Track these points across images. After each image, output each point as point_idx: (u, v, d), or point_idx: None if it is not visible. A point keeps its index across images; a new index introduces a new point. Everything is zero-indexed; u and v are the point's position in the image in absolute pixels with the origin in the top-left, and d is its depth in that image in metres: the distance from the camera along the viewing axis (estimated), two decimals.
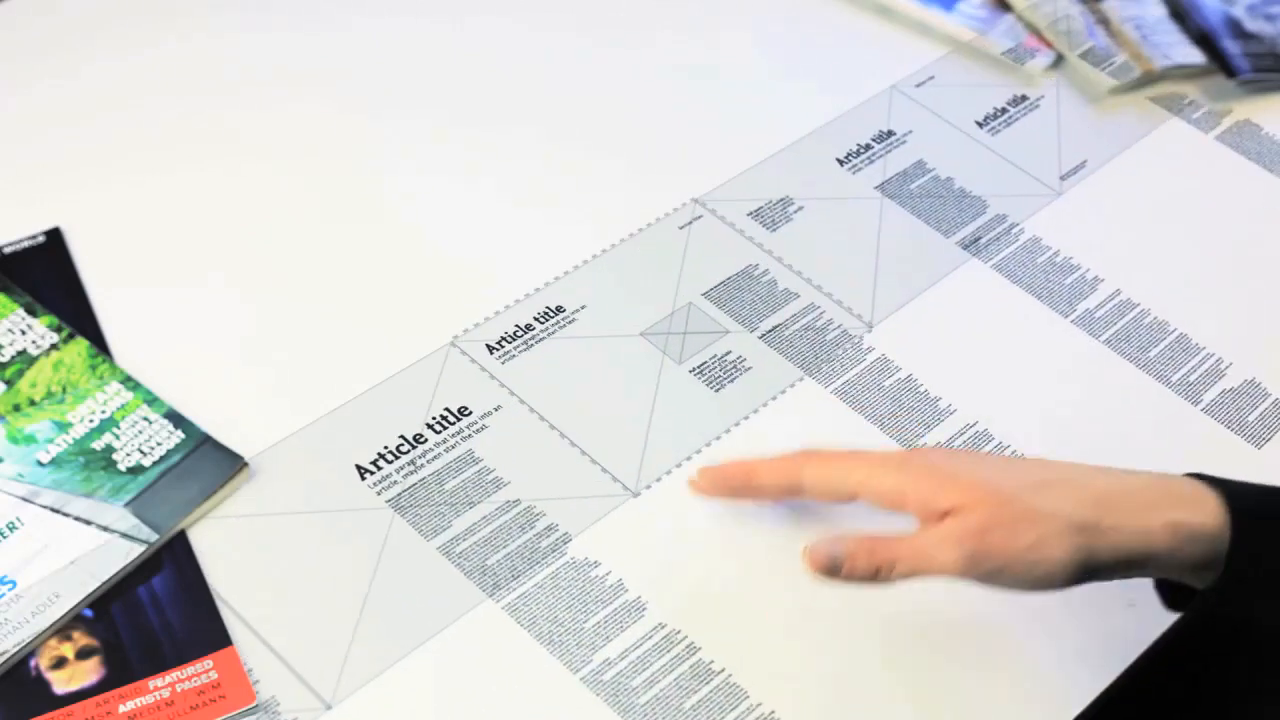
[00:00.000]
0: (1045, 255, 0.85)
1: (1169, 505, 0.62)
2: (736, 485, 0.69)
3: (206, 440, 0.71)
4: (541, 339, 0.78)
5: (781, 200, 0.86)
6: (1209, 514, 0.61)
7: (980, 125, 0.93)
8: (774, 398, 0.77)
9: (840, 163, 0.89)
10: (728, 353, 0.78)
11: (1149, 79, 0.97)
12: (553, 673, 0.65)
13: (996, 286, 0.84)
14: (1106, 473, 0.64)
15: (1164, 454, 0.68)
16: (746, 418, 0.76)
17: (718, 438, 0.75)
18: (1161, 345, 0.81)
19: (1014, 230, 0.87)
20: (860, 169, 0.89)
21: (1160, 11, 1.01)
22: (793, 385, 0.77)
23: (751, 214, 0.85)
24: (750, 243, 0.84)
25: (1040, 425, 0.76)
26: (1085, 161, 0.91)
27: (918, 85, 0.95)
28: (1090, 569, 0.61)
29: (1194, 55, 0.98)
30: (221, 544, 0.69)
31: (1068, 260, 0.85)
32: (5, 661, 0.63)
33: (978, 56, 0.98)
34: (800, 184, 0.88)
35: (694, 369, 0.77)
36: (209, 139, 0.88)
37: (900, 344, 0.80)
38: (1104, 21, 1.00)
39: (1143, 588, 0.70)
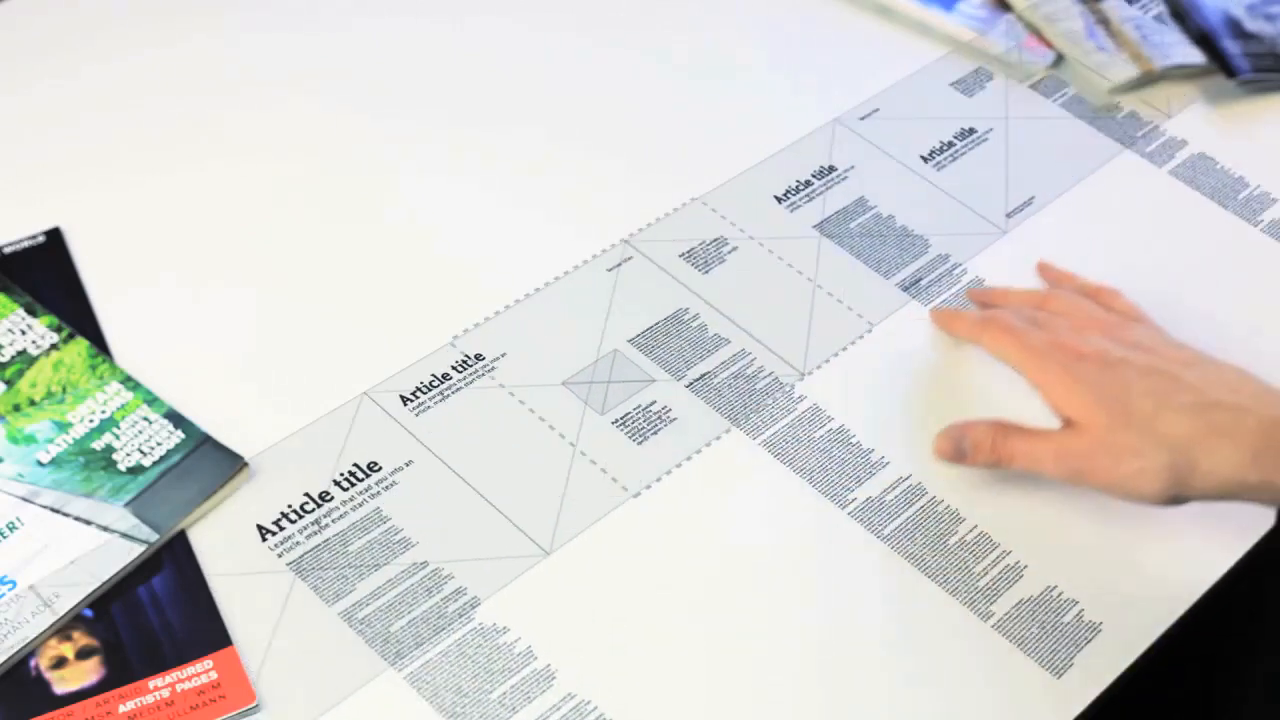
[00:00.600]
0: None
1: (1272, 463, 0.65)
2: (944, 323, 0.80)
3: (206, 440, 0.71)
4: (459, 388, 0.75)
5: (715, 240, 0.83)
6: None
7: (925, 160, 0.90)
8: (699, 450, 0.74)
9: (778, 200, 0.87)
10: (653, 403, 0.75)
11: (1149, 79, 0.97)
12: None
13: (935, 332, 0.81)
14: (1227, 402, 0.67)
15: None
16: (669, 472, 0.73)
17: (637, 494, 0.72)
18: None
19: (956, 270, 0.84)
20: (799, 207, 0.86)
21: (1160, 11, 1.01)
22: (719, 437, 0.75)
23: (683, 255, 0.83)
24: (680, 285, 0.81)
25: (976, 477, 0.74)
26: (1033, 198, 0.89)
27: (861, 119, 0.92)
28: (1183, 499, 0.67)
29: (1194, 55, 0.98)
30: (221, 544, 0.69)
31: None
32: (5, 661, 0.63)
33: (978, 56, 0.98)
34: (735, 223, 0.85)
35: (617, 420, 0.74)
36: (209, 139, 0.88)
37: (833, 393, 0.77)
38: (1104, 21, 1.00)
39: (1123, 608, 0.70)
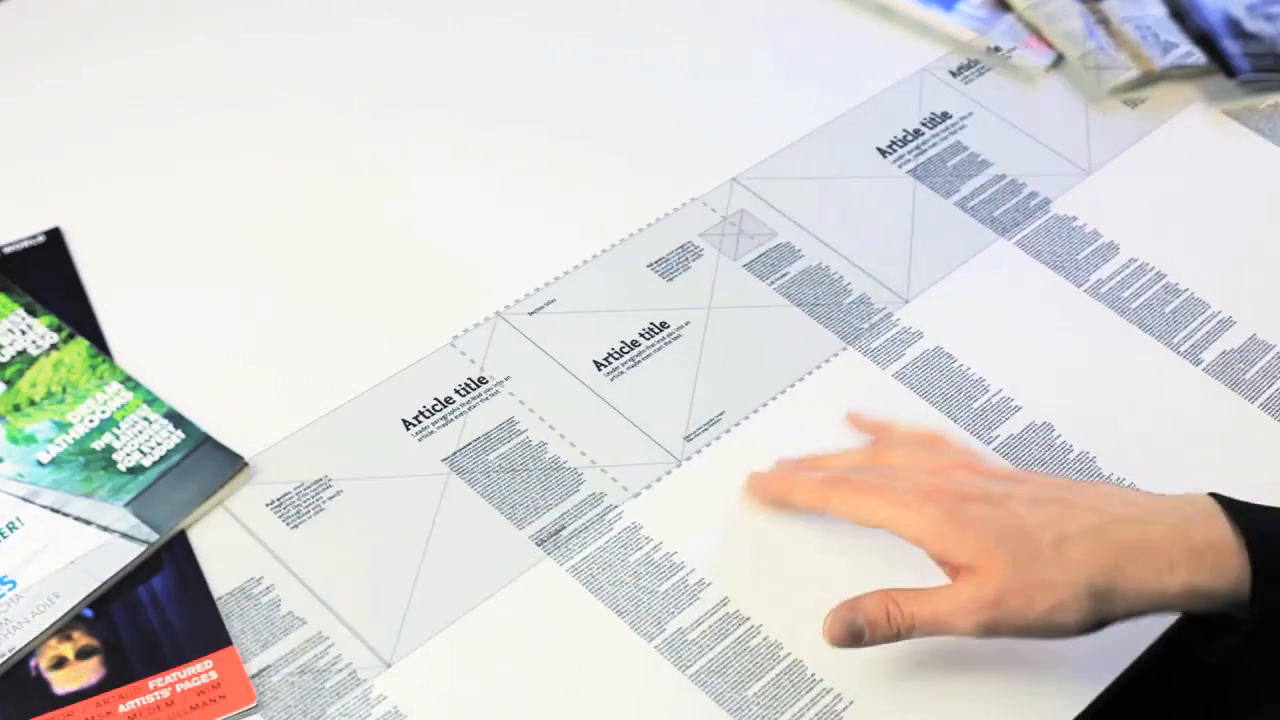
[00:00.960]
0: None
1: (1188, 565, 0.62)
2: (775, 497, 0.71)
3: (206, 440, 0.71)
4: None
5: (316, 482, 0.71)
6: (1229, 575, 0.62)
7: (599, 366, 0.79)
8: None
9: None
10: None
11: (1149, 79, 0.97)
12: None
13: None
14: (1127, 517, 0.63)
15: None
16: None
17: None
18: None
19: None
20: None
21: (1160, 11, 1.01)
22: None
23: (271, 504, 0.71)
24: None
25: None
26: (722, 414, 0.76)
27: (530, 314, 0.79)
28: (1103, 624, 0.63)
29: (1194, 55, 0.98)
30: (221, 544, 0.69)
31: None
32: (5, 661, 0.63)
33: (978, 55, 0.98)
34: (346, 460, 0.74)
35: None
36: (209, 139, 0.88)
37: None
38: (1104, 21, 1.00)
39: None
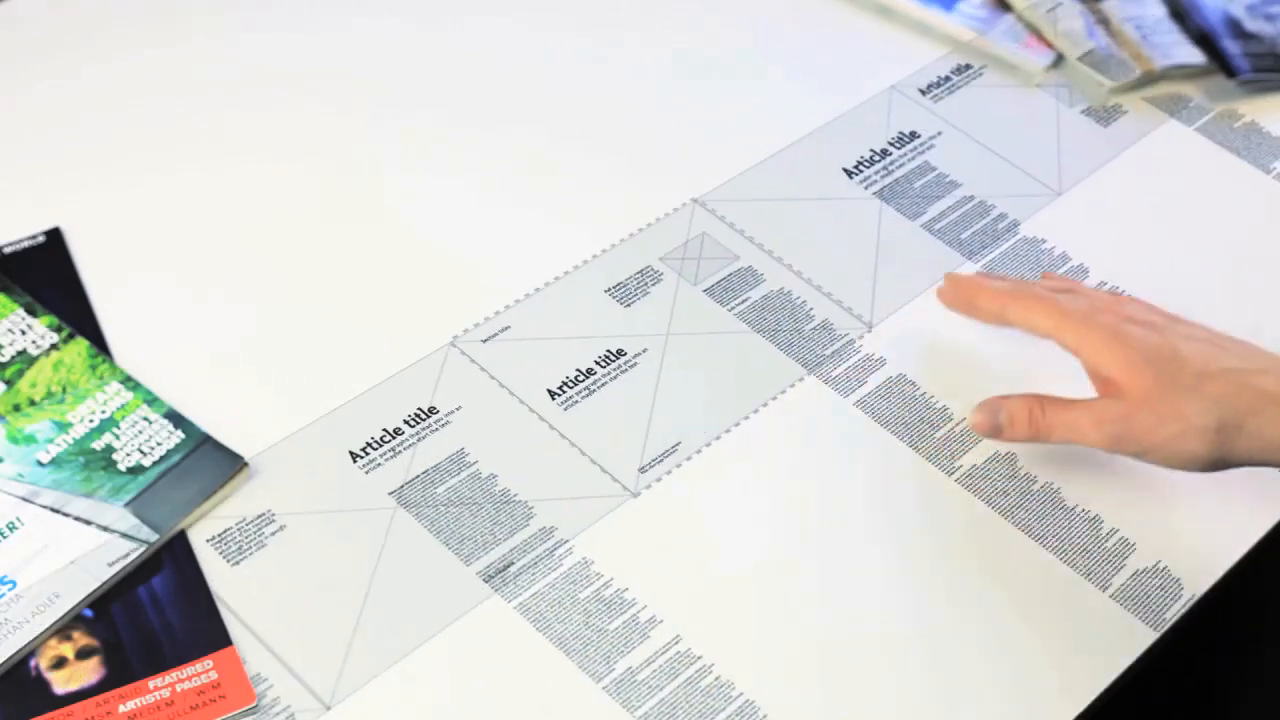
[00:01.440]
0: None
1: None
2: (963, 299, 0.75)
3: (206, 440, 0.71)
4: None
5: (258, 518, 0.70)
6: None
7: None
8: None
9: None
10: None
11: (1149, 79, 0.97)
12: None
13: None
14: (1273, 370, 0.67)
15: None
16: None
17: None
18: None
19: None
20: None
21: (1160, 11, 1.01)
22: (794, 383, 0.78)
23: (213, 540, 0.70)
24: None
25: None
26: (677, 444, 0.75)
27: (483, 341, 0.78)
28: (1225, 465, 0.67)
29: (1194, 55, 0.98)
30: (222, 544, 0.69)
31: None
32: (5, 661, 0.63)
33: (978, 57, 0.98)
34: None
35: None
36: (209, 139, 0.88)
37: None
38: (1104, 21, 1.00)
39: (1142, 588, 0.70)
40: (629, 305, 0.80)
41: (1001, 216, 0.87)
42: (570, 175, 0.88)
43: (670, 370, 0.77)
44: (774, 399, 0.77)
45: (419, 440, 0.73)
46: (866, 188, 0.88)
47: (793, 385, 0.77)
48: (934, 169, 0.90)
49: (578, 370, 0.77)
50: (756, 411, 0.76)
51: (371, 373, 0.76)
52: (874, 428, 0.76)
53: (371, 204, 0.85)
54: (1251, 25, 0.99)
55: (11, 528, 0.68)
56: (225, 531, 0.69)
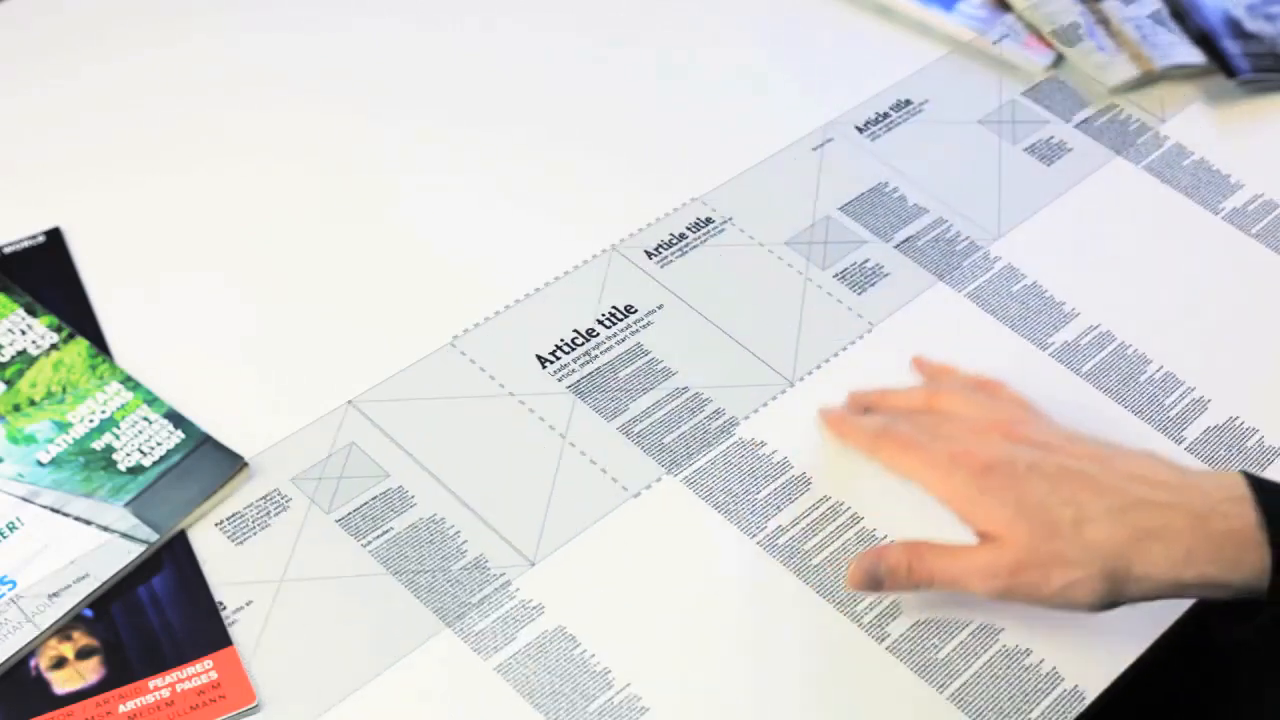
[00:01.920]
0: (1191, 158, 0.91)
1: (1206, 556, 0.62)
2: (838, 433, 0.74)
3: (206, 440, 0.71)
4: (696, 245, 0.83)
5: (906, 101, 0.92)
6: (1245, 570, 0.62)
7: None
8: (910, 301, 0.82)
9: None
10: (866, 260, 0.83)
11: (1149, 79, 0.97)
12: (730, 538, 0.70)
13: (1146, 186, 0.89)
14: (1150, 499, 0.64)
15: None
16: (883, 320, 0.81)
17: (859, 337, 0.80)
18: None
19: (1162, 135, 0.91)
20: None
21: (1160, 11, 1.01)
22: (927, 289, 0.83)
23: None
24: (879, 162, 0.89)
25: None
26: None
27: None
28: (1117, 604, 0.64)
29: (1194, 55, 0.98)
30: (222, 544, 0.69)
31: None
32: (5, 661, 0.63)
33: (978, 56, 0.98)
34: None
35: (837, 273, 0.82)
36: (209, 139, 0.88)
37: (1028, 253, 0.84)
38: (1104, 21, 1.00)
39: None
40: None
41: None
42: (570, 175, 0.88)
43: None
44: (401, 659, 0.66)
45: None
46: (561, 380, 0.76)
47: (429, 640, 0.67)
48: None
49: None
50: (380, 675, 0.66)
51: (372, 372, 0.76)
52: (512, 696, 0.65)
53: (371, 204, 0.85)
54: (1251, 25, 0.99)
55: (11, 528, 0.68)
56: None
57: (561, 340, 0.78)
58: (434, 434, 0.73)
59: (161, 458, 0.71)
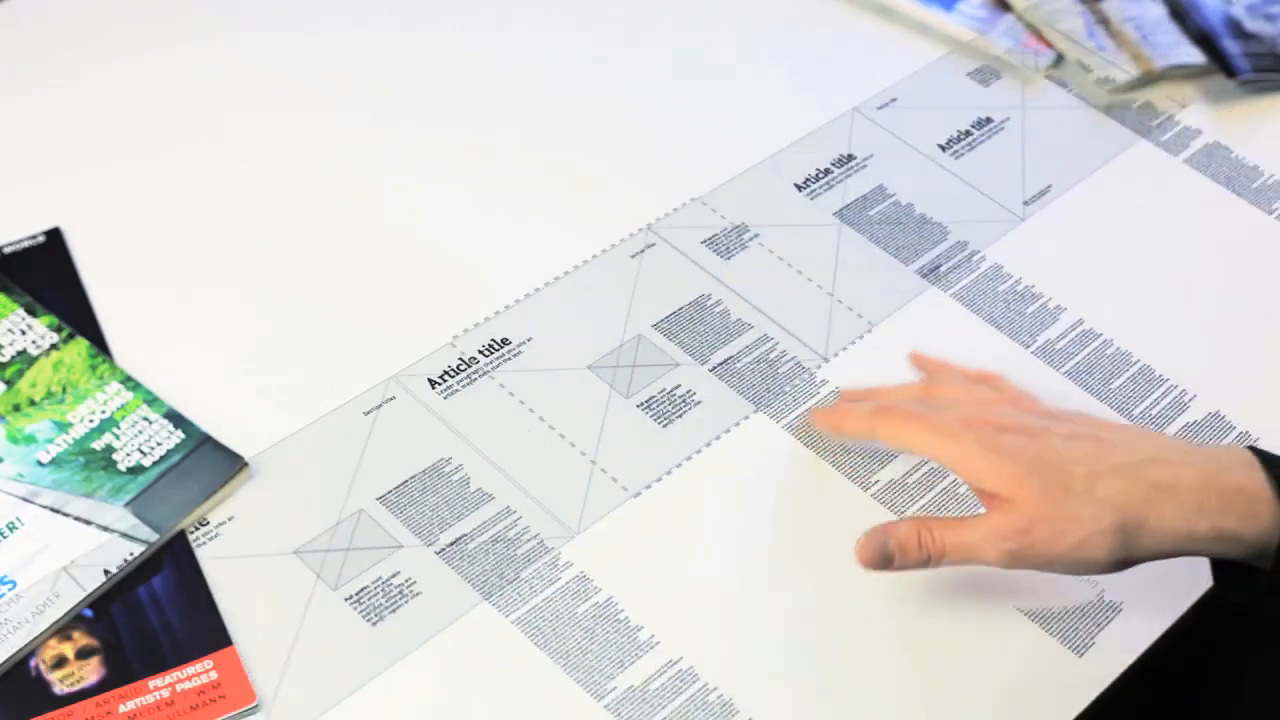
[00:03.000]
0: (1007, 283, 0.83)
1: (1218, 509, 0.62)
2: (831, 426, 0.73)
3: (206, 440, 0.71)
4: (486, 372, 0.76)
5: (737, 228, 0.84)
6: (1259, 523, 0.62)
7: (943, 149, 0.91)
8: (724, 433, 0.75)
9: (798, 188, 0.87)
10: (677, 386, 0.76)
11: (1149, 79, 0.97)
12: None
13: (956, 316, 0.82)
14: (1161, 458, 0.64)
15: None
16: (690, 457, 0.74)
17: (659, 478, 0.73)
18: (1124, 377, 0.79)
19: (975, 258, 0.84)
20: (818, 195, 0.87)
21: (1160, 11, 1.01)
22: (743, 420, 0.75)
23: (705, 242, 0.84)
24: (703, 272, 0.82)
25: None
26: (1049, 186, 0.89)
27: (879, 108, 0.93)
28: (1130, 563, 0.64)
29: (1194, 55, 0.98)
30: (221, 544, 0.69)
31: (1029, 289, 0.83)
32: (5, 661, 0.63)
33: (978, 56, 0.98)
34: (757, 211, 0.85)
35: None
36: (209, 139, 0.88)
37: (855, 378, 0.77)
38: (1104, 21, 1.00)
39: (1142, 588, 0.70)
40: (985, 86, 0.92)
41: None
42: (570, 175, 0.88)
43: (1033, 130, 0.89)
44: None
45: (847, 177, 0.86)
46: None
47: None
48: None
49: (957, 130, 0.92)
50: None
51: (371, 373, 0.76)
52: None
53: (371, 204, 0.85)
54: (1251, 25, 0.99)
55: (11, 528, 0.68)
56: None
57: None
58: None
59: (161, 458, 0.71)
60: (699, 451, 0.74)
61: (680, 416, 0.75)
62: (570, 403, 0.75)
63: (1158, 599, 0.70)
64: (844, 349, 0.79)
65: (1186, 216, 0.89)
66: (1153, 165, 0.92)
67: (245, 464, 0.71)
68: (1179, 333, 0.82)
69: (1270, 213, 0.89)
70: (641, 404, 0.75)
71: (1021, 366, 0.79)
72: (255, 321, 0.78)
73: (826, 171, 0.88)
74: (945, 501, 0.72)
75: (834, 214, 0.86)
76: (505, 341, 0.77)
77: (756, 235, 0.84)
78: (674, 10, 1.00)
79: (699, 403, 0.76)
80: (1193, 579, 0.70)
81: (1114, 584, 0.69)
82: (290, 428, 0.73)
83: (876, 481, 0.73)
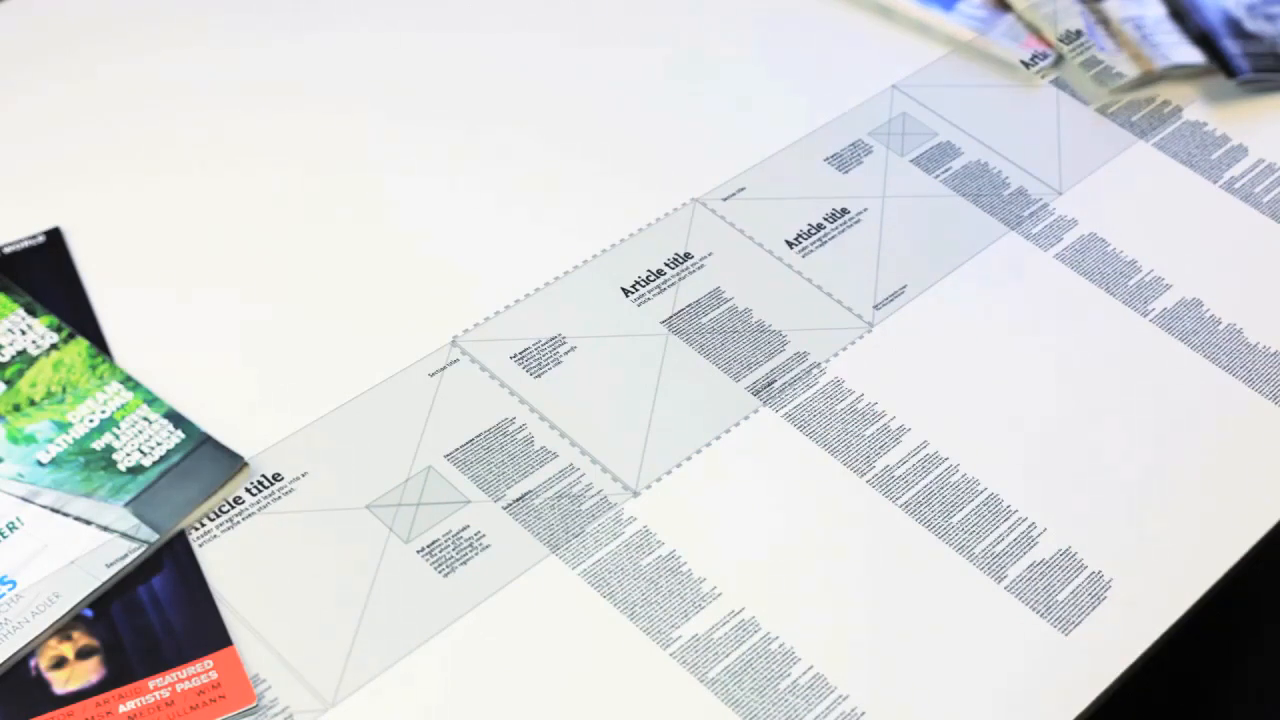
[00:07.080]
0: (846, 400, 0.76)
1: None
2: None
3: (206, 440, 0.71)
4: (251, 513, 0.69)
5: (551, 340, 0.77)
6: None
7: (790, 245, 0.83)
8: (513, 580, 0.68)
9: (625, 293, 0.80)
10: (465, 528, 0.70)
11: (1149, 79, 0.97)
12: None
13: (786, 440, 0.74)
14: None
15: (966, 627, 0.68)
16: (477, 606, 0.67)
17: (440, 631, 0.66)
18: (968, 509, 0.72)
19: (814, 371, 0.77)
20: (647, 300, 0.79)
21: (1160, 11, 1.01)
22: (536, 565, 0.69)
23: (514, 356, 0.76)
24: (507, 392, 0.75)
25: (817, 614, 0.68)
26: (905, 287, 0.81)
27: (725, 199, 0.84)
28: None
29: (1194, 55, 0.98)
30: (221, 544, 0.69)
31: (870, 406, 0.76)
32: (5, 661, 0.63)
33: (978, 57, 0.98)
34: (576, 321, 0.78)
35: (423, 549, 0.67)
36: (209, 140, 0.88)
37: (666, 514, 0.71)
38: (1104, 21, 1.00)
39: (1142, 589, 0.70)
40: (845, 173, 0.87)
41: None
42: (570, 175, 0.88)
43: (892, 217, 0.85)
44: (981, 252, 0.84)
45: (680, 280, 0.80)
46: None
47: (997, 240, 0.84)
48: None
49: (809, 224, 0.84)
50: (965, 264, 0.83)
51: (371, 373, 0.76)
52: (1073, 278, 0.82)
53: (371, 205, 0.85)
54: (1251, 25, 0.99)
55: (11, 528, 0.68)
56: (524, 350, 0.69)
57: None
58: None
59: (161, 458, 0.71)
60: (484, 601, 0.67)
61: (465, 562, 0.68)
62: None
63: (1158, 598, 0.70)
64: (657, 481, 0.72)
65: (1057, 314, 0.82)
66: (1021, 260, 0.84)
67: (245, 464, 0.71)
68: (1034, 455, 0.75)
69: (1145, 314, 0.82)
70: (422, 549, 0.69)
71: (854, 498, 0.72)
72: (255, 321, 0.78)
73: (659, 273, 0.80)
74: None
75: (661, 322, 0.78)
76: (277, 477, 0.71)
77: (574, 349, 0.76)
78: (673, 10, 0.99)
79: (487, 546, 0.69)
80: (1195, 576, 0.70)
81: (1116, 582, 0.70)
82: (290, 427, 0.73)
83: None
